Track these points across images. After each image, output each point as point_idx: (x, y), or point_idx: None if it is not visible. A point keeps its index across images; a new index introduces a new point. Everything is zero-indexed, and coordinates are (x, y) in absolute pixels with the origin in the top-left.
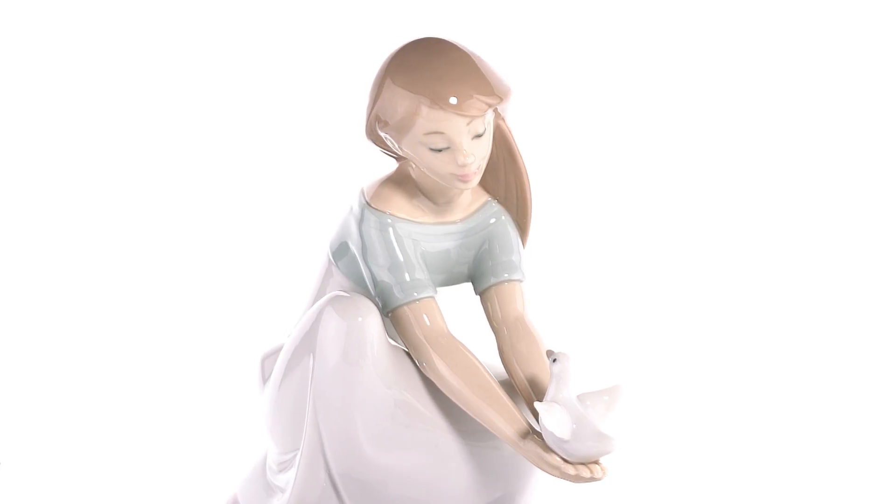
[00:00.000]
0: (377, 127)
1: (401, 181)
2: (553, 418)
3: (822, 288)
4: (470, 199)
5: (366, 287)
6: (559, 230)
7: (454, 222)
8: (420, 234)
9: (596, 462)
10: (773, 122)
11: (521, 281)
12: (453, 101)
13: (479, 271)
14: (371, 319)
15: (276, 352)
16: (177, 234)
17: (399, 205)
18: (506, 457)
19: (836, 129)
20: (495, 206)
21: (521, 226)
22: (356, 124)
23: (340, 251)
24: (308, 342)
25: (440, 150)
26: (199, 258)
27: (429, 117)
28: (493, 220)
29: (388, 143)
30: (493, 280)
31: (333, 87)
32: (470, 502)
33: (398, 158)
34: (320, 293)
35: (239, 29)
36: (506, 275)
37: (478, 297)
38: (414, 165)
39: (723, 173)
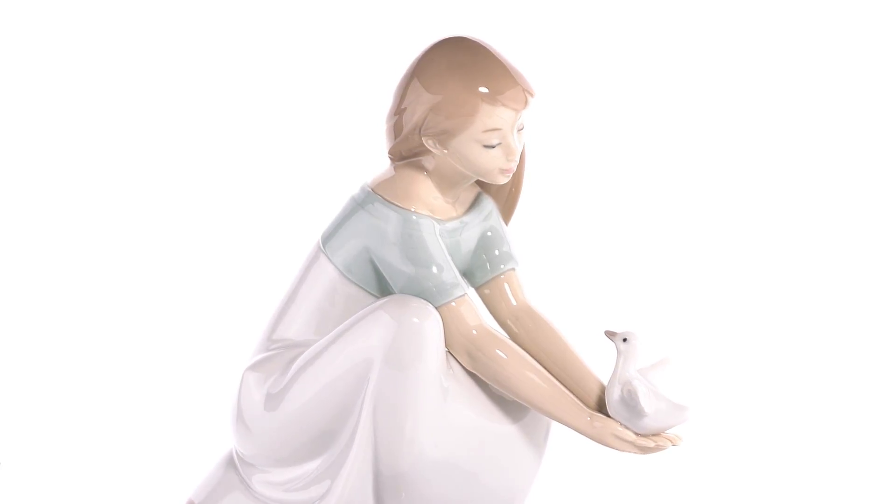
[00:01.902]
0: (418, 134)
1: (416, 178)
2: (644, 394)
3: (804, 269)
4: (467, 193)
5: (375, 287)
6: (552, 220)
7: (460, 217)
8: (441, 231)
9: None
10: (766, 117)
11: (515, 268)
12: (510, 95)
13: (476, 265)
14: (431, 321)
15: (262, 364)
16: (156, 237)
17: (423, 202)
18: (534, 449)
19: (835, 130)
20: (485, 198)
21: (507, 212)
22: (371, 139)
23: (344, 250)
24: (364, 348)
25: (492, 147)
26: (175, 262)
27: (488, 114)
28: (487, 213)
29: (429, 147)
30: (492, 273)
31: (318, 89)
32: (504, 495)
33: (397, 159)
34: (305, 290)
35: (231, 29)
36: (502, 266)
37: (474, 290)
38: (432, 162)
39: (712, 161)
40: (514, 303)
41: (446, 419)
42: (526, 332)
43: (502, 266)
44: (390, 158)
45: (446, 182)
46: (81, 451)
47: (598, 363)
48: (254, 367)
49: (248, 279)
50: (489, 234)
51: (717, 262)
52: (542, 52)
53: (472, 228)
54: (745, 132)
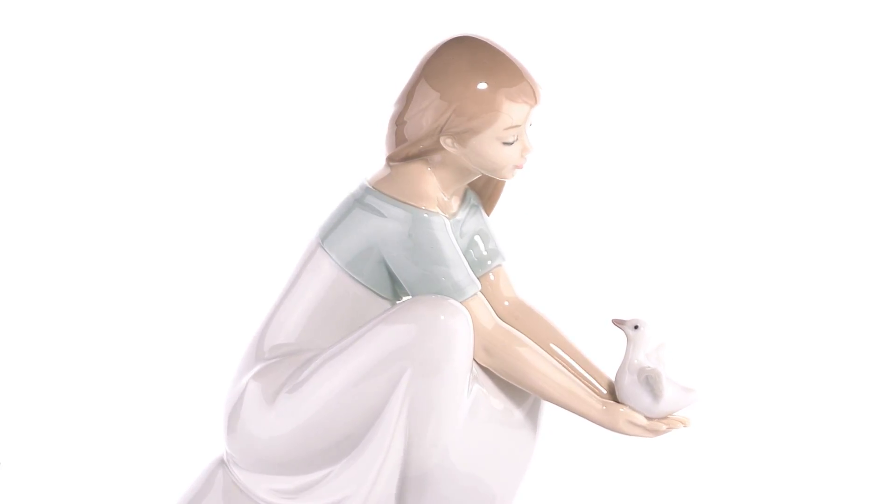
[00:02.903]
0: (437, 134)
1: (422, 175)
2: (664, 379)
3: (796, 258)
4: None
5: (387, 289)
6: (539, 214)
7: (456, 214)
8: (450, 227)
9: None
10: (754, 109)
11: (502, 264)
12: (527, 92)
13: (467, 262)
14: (460, 319)
15: (266, 373)
16: (145, 237)
17: (432, 199)
18: (531, 441)
19: (834, 129)
20: (471, 194)
21: (490, 206)
22: (362, 138)
23: (346, 249)
24: (393, 350)
25: (510, 144)
26: (166, 263)
27: (510, 111)
28: (476, 209)
29: (446, 146)
30: (482, 270)
31: (311, 90)
32: (502, 488)
33: (399, 160)
34: (302, 290)
35: (231, 29)
36: (490, 262)
37: None
38: (437, 159)
39: (703, 151)
40: (505, 297)
41: (468, 417)
42: (521, 325)
43: (490, 262)
44: (390, 160)
45: (451, 179)
46: (72, 455)
47: (593, 352)
48: (257, 376)
49: (241, 280)
50: (476, 231)
51: (711, 253)
52: (527, 49)
53: (467, 224)
54: (732, 122)
